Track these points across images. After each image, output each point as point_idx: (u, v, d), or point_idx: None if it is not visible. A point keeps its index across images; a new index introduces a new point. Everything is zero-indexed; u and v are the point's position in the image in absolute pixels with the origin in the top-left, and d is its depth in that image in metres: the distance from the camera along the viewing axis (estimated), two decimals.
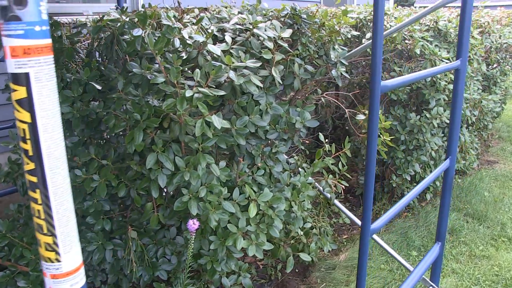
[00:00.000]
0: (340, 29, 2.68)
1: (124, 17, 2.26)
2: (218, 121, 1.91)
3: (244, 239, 2.36)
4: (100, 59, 2.62)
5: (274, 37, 2.28)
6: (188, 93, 1.88)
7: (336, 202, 3.14)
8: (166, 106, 1.90)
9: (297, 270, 3.45)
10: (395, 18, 3.68)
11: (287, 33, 2.33)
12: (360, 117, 3.17)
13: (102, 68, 2.39)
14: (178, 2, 2.93)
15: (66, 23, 2.62)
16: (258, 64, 2.16)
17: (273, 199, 2.42)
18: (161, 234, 2.63)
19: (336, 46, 2.76)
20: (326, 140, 3.10)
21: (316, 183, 3.12)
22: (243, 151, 2.46)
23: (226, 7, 2.63)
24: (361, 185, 4.33)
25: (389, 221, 2.11)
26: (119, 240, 2.58)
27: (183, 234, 2.56)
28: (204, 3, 3.04)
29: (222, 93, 1.99)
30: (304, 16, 2.50)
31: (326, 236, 3.09)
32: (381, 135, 3.19)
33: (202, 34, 2.13)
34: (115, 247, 2.55)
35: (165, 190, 2.44)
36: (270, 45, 2.23)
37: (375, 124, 1.72)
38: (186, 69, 2.09)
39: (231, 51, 2.20)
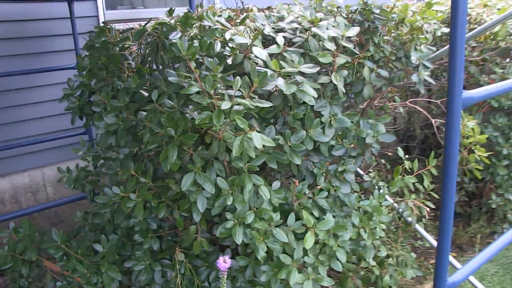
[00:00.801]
0: (423, 25, 2.17)
1: (171, 21, 1.99)
2: (258, 139, 1.55)
3: (300, 272, 1.97)
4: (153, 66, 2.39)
5: (336, 37, 1.86)
6: (225, 106, 1.54)
7: (418, 227, 2.61)
8: (200, 120, 1.58)
9: None
10: (498, 9, 3.02)
11: (352, 31, 1.90)
12: None
13: (149, 76, 2.15)
14: (241, 1, 2.61)
15: (119, 30, 2.43)
16: (315, 70, 1.76)
17: (336, 227, 2.00)
18: (214, 256, 2.33)
19: (419, 46, 2.26)
20: (408, 154, 2.59)
21: (395, 204, 2.62)
22: (303, 170, 2.07)
23: (289, 5, 2.26)
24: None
25: (478, 268, 1.60)
26: (169, 261, 2.33)
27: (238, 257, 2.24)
28: (269, 2, 2.69)
29: (267, 104, 1.62)
30: (377, 11, 2.04)
31: (405, 266, 2.57)
32: (474, 151, 2.60)
33: (249, 35, 1.78)
34: (163, 267, 2.30)
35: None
36: (331, 46, 1.82)
37: (453, 154, 1.25)
38: (231, 77, 1.75)
39: (284, 54, 1.82)
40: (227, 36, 1.70)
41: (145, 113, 2.12)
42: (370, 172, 2.70)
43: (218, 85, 1.68)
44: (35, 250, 2.55)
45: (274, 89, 1.73)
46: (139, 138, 2.18)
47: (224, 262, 1.52)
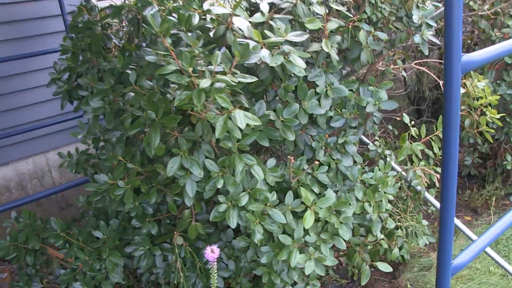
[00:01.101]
0: None
1: None
2: (242, 118, 1.41)
3: (302, 252, 1.86)
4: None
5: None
6: (204, 84, 1.40)
7: (427, 195, 2.47)
8: (179, 101, 1.44)
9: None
10: None
11: None
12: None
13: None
14: None
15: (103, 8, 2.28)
16: (304, 37, 1.59)
17: (338, 203, 1.87)
18: (215, 237, 2.24)
19: (421, 3, 2.06)
20: (420, 117, 2.42)
21: (403, 173, 2.47)
22: (300, 145, 1.93)
23: None
24: (467, 165, 3.51)
25: (484, 248, 1.46)
26: (169, 245, 2.25)
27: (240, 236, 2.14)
28: None
29: (251, 79, 1.48)
30: None
31: (415, 236, 2.45)
32: (486, 113, 2.42)
33: (230, 4, 1.61)
34: (163, 252, 2.23)
35: None
36: (321, 10, 1.65)
37: (453, 129, 1.10)
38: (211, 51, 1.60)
39: (271, 22, 1.65)
40: (205, 6, 1.54)
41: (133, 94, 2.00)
42: (376, 140, 2.55)
43: (200, 62, 1.53)
44: (38, 238, 2.50)
45: (260, 61, 1.58)
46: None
47: (212, 252, 1.41)
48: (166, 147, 1.66)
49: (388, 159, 2.40)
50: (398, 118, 3.07)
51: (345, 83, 1.97)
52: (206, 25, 1.66)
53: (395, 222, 2.37)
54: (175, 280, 2.12)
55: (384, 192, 2.09)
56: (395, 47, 2.07)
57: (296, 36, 1.59)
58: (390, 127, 2.95)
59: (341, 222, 1.87)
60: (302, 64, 1.51)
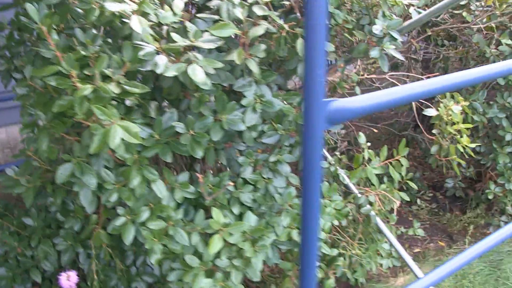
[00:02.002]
0: None
1: None
2: (119, 134, 1.21)
3: (210, 277, 1.68)
4: None
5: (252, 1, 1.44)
6: (85, 91, 1.21)
7: (379, 222, 2.22)
8: (59, 106, 1.26)
9: None
10: None
11: None
12: (430, 112, 2.14)
13: None
14: None
15: None
16: (215, 45, 1.36)
17: (255, 229, 1.66)
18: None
19: (390, 12, 1.78)
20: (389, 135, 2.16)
21: (358, 195, 2.22)
22: (223, 160, 1.72)
23: None
24: (449, 188, 3.22)
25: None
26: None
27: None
28: None
29: (140, 90, 1.27)
30: None
31: (360, 266, 2.22)
32: (459, 141, 2.13)
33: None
34: (86, 249, 2.09)
35: None
36: (240, 13, 1.40)
37: (313, 200, 0.87)
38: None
39: (188, 23, 1.42)
40: (107, 5, 1.32)
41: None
42: (334, 155, 2.31)
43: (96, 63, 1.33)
44: None
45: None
46: None
47: (67, 280, 1.24)
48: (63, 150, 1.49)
49: (343, 179, 2.17)
50: (375, 131, 2.80)
51: (286, 95, 1.74)
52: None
53: (339, 249, 2.14)
54: (90, 281, 1.99)
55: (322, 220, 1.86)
56: (350, 60, 1.80)
57: (206, 42, 1.36)
58: (362, 139, 2.67)
59: (255, 251, 1.67)
60: (200, 78, 1.29)
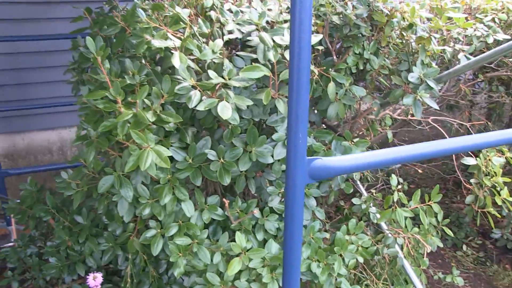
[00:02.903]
0: (433, 35, 1.70)
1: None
2: (149, 158, 1.36)
3: None
4: None
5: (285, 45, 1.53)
6: (126, 116, 1.38)
7: (406, 264, 2.20)
8: (104, 127, 1.44)
9: None
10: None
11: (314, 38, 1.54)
12: (470, 161, 2.11)
13: None
14: None
15: None
16: (249, 83, 1.48)
17: (273, 258, 1.74)
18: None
19: (427, 60, 1.81)
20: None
21: (389, 235, 2.23)
22: (252, 188, 1.83)
23: None
24: (499, 238, 3.07)
25: None
26: None
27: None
28: None
29: (174, 120, 1.42)
30: (364, 13, 1.63)
31: None
32: (495, 194, 2.07)
33: (182, 36, 1.54)
34: (124, 253, 2.28)
35: None
36: (271, 55, 1.50)
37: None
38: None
39: (225, 61, 1.56)
40: (155, 38, 1.49)
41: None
42: (370, 192, 2.33)
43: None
44: (41, 206, 2.69)
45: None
46: None
47: (93, 280, 1.40)
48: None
49: (374, 217, 2.19)
50: (420, 171, 2.77)
51: (317, 132, 1.81)
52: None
53: (362, 286, 2.16)
54: (124, 284, 2.16)
55: (340, 255, 1.90)
56: (386, 105, 1.84)
57: (239, 80, 1.48)
58: (394, 181, 2.65)
59: (272, 277, 1.75)
60: (227, 115, 1.40)
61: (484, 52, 2.03)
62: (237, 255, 1.73)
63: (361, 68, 1.70)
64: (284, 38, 1.51)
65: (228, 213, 1.75)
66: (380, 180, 2.73)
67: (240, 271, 1.76)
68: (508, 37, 2.16)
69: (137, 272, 2.28)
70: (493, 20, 2.18)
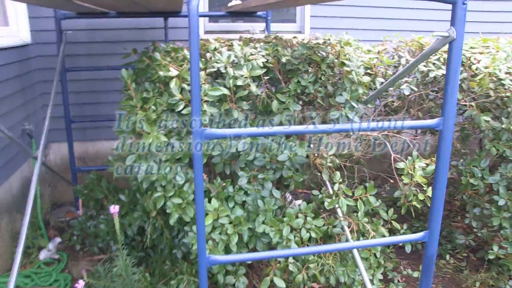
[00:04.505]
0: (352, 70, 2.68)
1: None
2: (156, 140, 2.50)
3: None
4: None
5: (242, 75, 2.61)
6: (140, 116, 2.53)
7: (350, 239, 3.06)
8: (127, 122, 2.60)
9: None
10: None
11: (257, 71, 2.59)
12: (399, 165, 2.97)
13: None
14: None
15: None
16: (216, 98, 2.57)
17: (236, 218, 2.75)
18: None
19: (354, 87, 2.77)
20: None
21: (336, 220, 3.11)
22: (227, 171, 2.88)
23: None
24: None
25: None
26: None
27: None
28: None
29: (170, 119, 2.54)
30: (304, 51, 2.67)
31: (331, 274, 3.07)
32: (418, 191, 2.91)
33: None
34: (148, 221, 3.40)
35: None
36: (230, 83, 2.57)
37: None
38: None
39: (205, 85, 2.66)
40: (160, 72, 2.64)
41: None
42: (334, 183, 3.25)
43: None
44: (101, 190, 3.92)
45: None
46: None
47: (113, 208, 2.52)
48: None
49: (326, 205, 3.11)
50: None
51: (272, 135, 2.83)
52: None
53: (315, 257, 3.06)
54: (145, 238, 3.28)
55: (288, 224, 2.85)
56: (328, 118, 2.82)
57: (209, 97, 2.57)
58: (337, 177, 3.53)
59: (234, 231, 2.75)
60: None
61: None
62: (210, 213, 2.76)
63: (299, 91, 2.71)
64: (239, 72, 2.59)
65: (208, 185, 2.81)
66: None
67: (214, 228, 2.79)
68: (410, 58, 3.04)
69: (157, 236, 3.39)
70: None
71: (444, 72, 2.97)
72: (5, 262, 3.80)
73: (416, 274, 3.78)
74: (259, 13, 4.63)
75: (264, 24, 4.76)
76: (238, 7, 4.08)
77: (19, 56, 4.26)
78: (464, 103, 3.30)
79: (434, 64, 3.29)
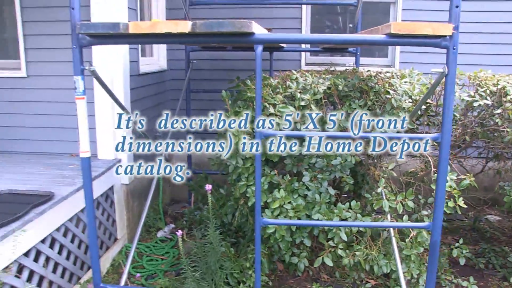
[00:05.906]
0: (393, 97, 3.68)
1: None
2: (242, 143, 3.74)
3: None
4: None
5: (307, 98, 3.74)
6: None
7: (392, 236, 3.94)
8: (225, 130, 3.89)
9: None
10: None
11: (318, 95, 3.70)
12: (390, 166, 3.83)
13: None
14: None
15: None
16: (286, 116, 3.74)
17: (297, 205, 3.84)
18: None
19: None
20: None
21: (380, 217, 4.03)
22: (294, 170, 4.00)
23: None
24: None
25: None
26: None
27: None
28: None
29: (249, 127, 3.77)
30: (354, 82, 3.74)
31: (374, 263, 3.97)
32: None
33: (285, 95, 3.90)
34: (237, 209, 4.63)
35: None
36: (301, 102, 3.71)
37: None
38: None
39: (280, 104, 3.84)
40: (248, 93, 3.88)
41: None
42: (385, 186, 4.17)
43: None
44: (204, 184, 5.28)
45: None
46: None
47: (207, 187, 3.79)
48: None
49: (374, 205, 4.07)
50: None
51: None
52: None
53: (361, 246, 4.00)
54: (233, 220, 4.51)
55: (338, 215, 3.86)
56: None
57: (281, 113, 3.74)
58: (381, 183, 4.38)
59: (296, 216, 3.84)
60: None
61: None
62: (278, 199, 3.89)
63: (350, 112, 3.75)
64: (304, 97, 3.73)
65: (279, 179, 3.96)
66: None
67: (281, 212, 3.91)
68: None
69: (243, 222, 4.60)
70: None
71: (488, 102, 3.82)
72: (132, 232, 5.33)
73: (465, 283, 4.46)
74: (350, 49, 5.75)
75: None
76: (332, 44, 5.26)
77: (159, 79, 5.92)
78: None
79: (481, 95, 4.08)
